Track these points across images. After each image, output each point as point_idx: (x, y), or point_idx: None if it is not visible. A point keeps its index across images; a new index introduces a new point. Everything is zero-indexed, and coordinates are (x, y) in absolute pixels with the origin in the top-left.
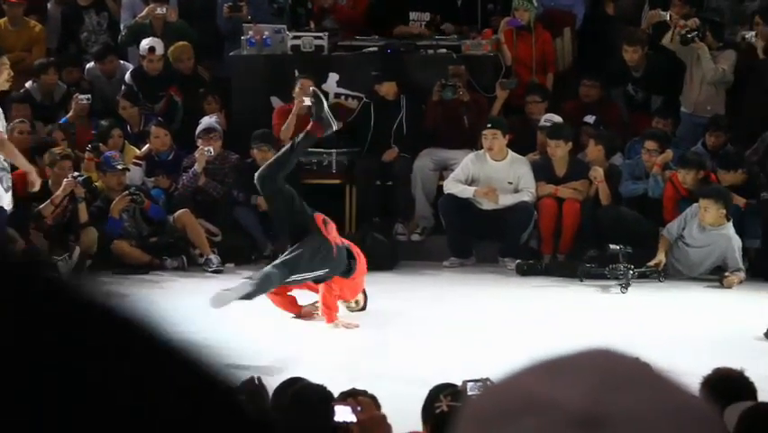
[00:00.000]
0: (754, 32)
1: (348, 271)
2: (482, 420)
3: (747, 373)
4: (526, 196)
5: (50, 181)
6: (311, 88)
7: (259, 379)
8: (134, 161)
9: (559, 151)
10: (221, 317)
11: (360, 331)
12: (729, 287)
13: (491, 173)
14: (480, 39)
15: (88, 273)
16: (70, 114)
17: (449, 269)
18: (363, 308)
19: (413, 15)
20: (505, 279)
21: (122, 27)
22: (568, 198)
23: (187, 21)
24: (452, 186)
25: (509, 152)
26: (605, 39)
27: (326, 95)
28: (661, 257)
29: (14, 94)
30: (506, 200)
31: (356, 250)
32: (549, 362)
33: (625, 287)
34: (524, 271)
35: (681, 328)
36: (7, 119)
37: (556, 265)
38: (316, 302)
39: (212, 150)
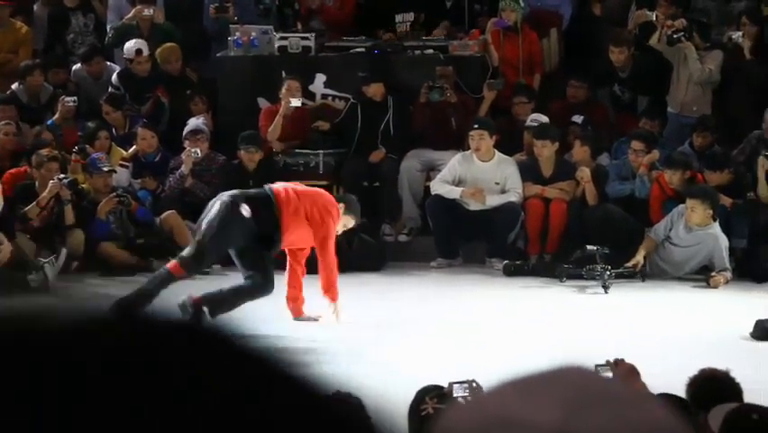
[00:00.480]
0: (740, 33)
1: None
2: None
3: (733, 374)
4: (513, 196)
5: (36, 183)
6: None
7: None
8: (121, 162)
9: (545, 151)
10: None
11: (346, 332)
12: (716, 287)
13: (478, 174)
14: (467, 40)
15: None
16: (56, 116)
17: (436, 269)
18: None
19: (398, 17)
20: (492, 279)
21: (108, 29)
22: (555, 199)
23: (173, 22)
24: (440, 187)
25: (496, 152)
26: (591, 39)
27: (313, 95)
28: (639, 258)
29: (0, 95)
30: (493, 201)
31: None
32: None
33: (606, 288)
34: (511, 272)
35: (667, 329)
36: None
37: (543, 266)
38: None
39: (199, 151)
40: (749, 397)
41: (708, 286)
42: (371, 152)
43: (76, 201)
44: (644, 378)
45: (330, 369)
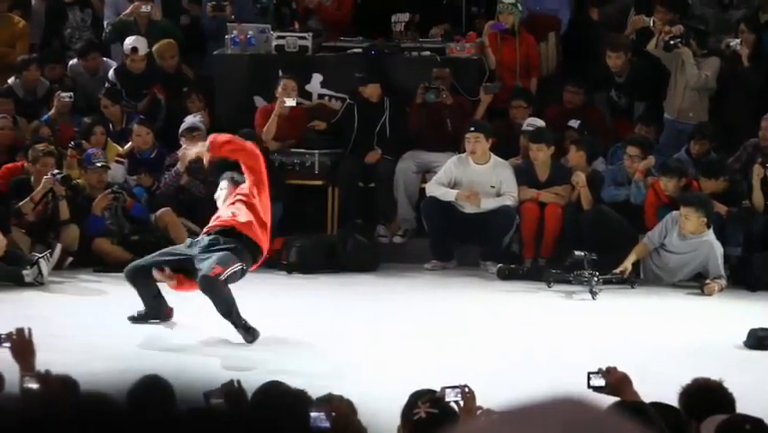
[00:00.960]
0: (738, 40)
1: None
2: None
3: (727, 383)
4: (509, 200)
5: (32, 178)
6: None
7: (238, 382)
8: (117, 158)
9: (541, 155)
10: (206, 319)
11: (339, 333)
12: (710, 294)
13: (474, 177)
14: (465, 42)
15: None
16: (52, 111)
17: (430, 272)
18: None
19: (394, 17)
20: (486, 282)
21: (105, 24)
22: (550, 203)
23: (171, 19)
24: (435, 189)
25: (492, 155)
26: (589, 44)
27: (310, 95)
28: (627, 264)
29: None
30: (488, 204)
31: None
32: (517, 410)
33: (594, 293)
34: (505, 276)
35: (659, 336)
36: None
37: (537, 270)
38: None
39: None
40: (742, 407)
41: (703, 293)
42: (367, 152)
43: (71, 197)
44: (637, 386)
45: (321, 369)
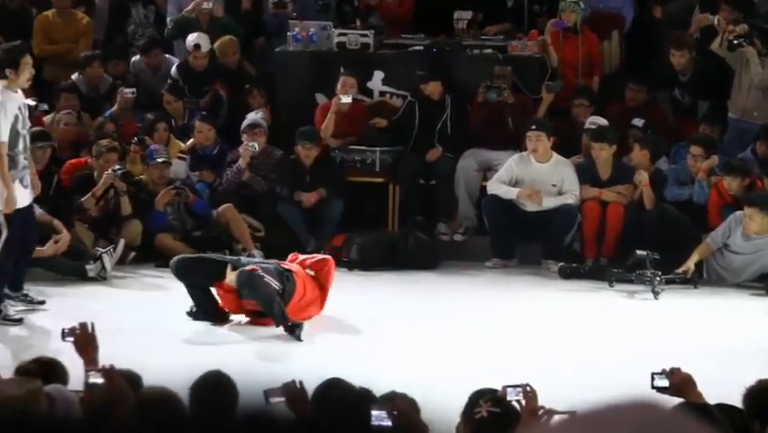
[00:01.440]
0: None
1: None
2: None
3: None
4: (570, 198)
5: (95, 173)
6: None
7: (300, 382)
8: (179, 154)
9: (603, 153)
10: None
11: (399, 331)
12: None
13: (535, 175)
14: (526, 40)
15: None
16: (115, 107)
17: (491, 270)
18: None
19: (456, 14)
20: (547, 281)
21: (168, 21)
22: (612, 202)
23: (233, 16)
24: (496, 187)
25: (554, 154)
26: (652, 42)
27: (371, 92)
28: (690, 264)
29: (63, 84)
30: (549, 202)
31: (298, 274)
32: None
33: (656, 293)
34: (567, 275)
35: (723, 337)
36: (55, 109)
37: (599, 269)
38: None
39: (256, 145)
40: None
41: (767, 294)
42: (428, 150)
43: (133, 192)
44: (700, 387)
45: (381, 367)
